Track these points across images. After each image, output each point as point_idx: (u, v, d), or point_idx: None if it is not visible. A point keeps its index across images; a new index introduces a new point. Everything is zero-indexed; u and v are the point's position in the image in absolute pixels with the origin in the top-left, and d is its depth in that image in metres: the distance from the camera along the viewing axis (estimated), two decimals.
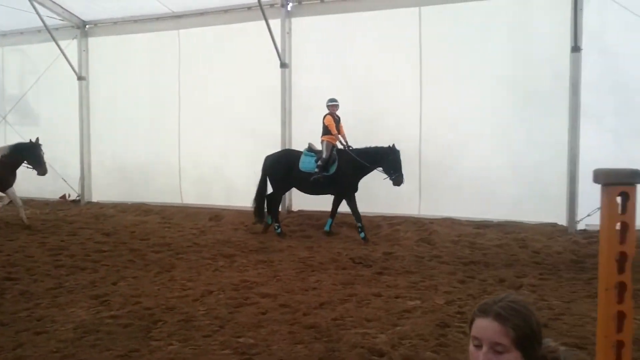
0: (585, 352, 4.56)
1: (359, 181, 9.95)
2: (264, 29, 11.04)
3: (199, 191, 12.94)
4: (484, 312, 1.67)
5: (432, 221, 10.20)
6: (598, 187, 1.15)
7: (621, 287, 1.05)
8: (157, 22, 13.20)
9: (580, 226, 9.47)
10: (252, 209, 10.39)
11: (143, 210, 12.82)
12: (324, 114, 10.08)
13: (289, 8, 11.78)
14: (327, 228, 10.15)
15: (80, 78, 14.04)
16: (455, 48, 10.45)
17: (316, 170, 9.80)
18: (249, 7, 11.88)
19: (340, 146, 10.07)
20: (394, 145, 9.61)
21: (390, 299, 6.31)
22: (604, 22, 9.51)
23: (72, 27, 13.96)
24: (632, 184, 1.05)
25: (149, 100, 13.38)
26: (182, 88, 13.03)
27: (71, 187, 14.30)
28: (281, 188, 10.50)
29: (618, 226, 1.05)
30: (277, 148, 11.67)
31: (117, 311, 5.79)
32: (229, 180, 12.54)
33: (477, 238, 9.43)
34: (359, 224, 9.73)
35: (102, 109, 14.07)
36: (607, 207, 1.05)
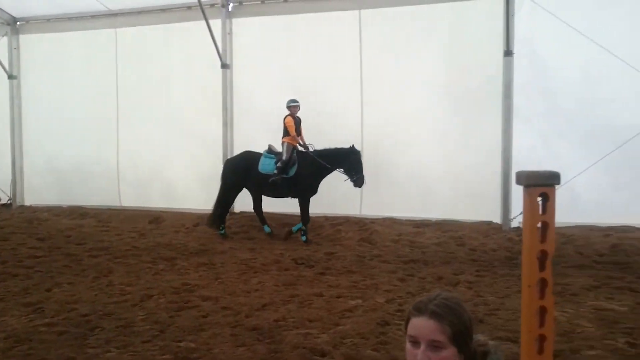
0: (518, 345, 4.73)
1: (319, 183, 9.88)
2: (204, 29, 10.90)
3: (138, 193, 12.63)
4: (419, 310, 1.69)
5: (373, 221, 10.35)
6: None
7: (542, 284, 1.11)
8: (93, 20, 12.80)
9: (514, 224, 9.81)
10: (211, 216, 10.20)
11: (79, 213, 12.41)
12: (285, 115, 9.94)
13: (229, 8, 11.68)
14: (303, 238, 9.78)
15: (10, 77, 13.45)
16: (394, 51, 10.64)
17: (275, 172, 9.66)
18: (189, 7, 11.70)
19: (300, 148, 9.97)
20: (353, 145, 9.59)
21: (332, 298, 6.37)
22: (534, 28, 9.89)
23: (2, 23, 13.36)
24: (551, 185, 1.11)
25: (85, 100, 12.95)
26: (120, 88, 12.68)
27: (1, 191, 13.69)
28: (236, 191, 10.28)
29: (539, 225, 1.11)
30: (218, 149, 11.59)
31: (52, 319, 5.60)
32: (169, 181, 12.32)
33: (416, 237, 9.63)
34: (304, 227, 9.74)
35: (35, 109, 13.52)
36: (528, 207, 1.10)
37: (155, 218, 11.60)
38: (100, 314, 5.74)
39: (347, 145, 9.64)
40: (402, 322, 1.81)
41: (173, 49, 12.14)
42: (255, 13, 11.60)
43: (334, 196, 10.36)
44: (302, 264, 8.18)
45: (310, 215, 9.93)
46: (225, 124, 11.69)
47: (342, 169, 9.68)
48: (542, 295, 1.11)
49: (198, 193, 11.87)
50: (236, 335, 5.16)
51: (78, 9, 12.67)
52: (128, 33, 12.54)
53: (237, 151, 11.68)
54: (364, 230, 10.03)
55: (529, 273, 1.11)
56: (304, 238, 9.68)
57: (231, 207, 11.56)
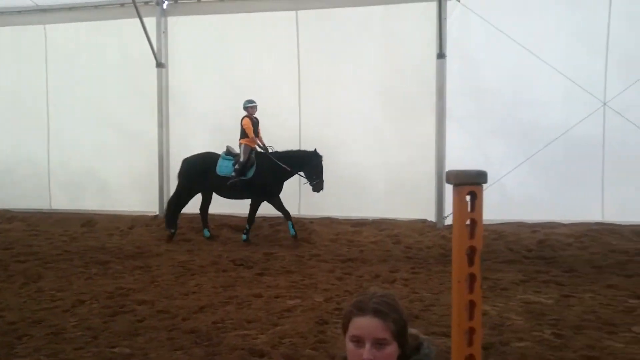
0: (451, 339, 4.88)
1: (280, 185, 9.73)
2: (139, 27, 10.65)
3: (70, 195, 12.20)
4: (362, 310, 1.69)
5: (312, 221, 10.41)
6: None
7: (471, 279, 1.16)
8: (21, 16, 12.27)
9: (448, 222, 10.10)
10: (165, 217, 9.98)
11: (6, 217, 11.86)
12: (242, 115, 9.77)
13: (164, 6, 11.47)
14: (244, 237, 9.77)
15: None
16: (331, 51, 10.75)
17: (233, 174, 9.48)
18: (122, 4, 11.44)
19: (259, 149, 9.81)
20: (316, 149, 9.49)
21: (271, 299, 6.36)
22: (466, 32, 10.24)
23: None
24: (479, 184, 1.16)
25: (13, 98, 12.40)
26: (50, 86, 12.23)
27: None
28: (193, 192, 10.03)
29: (468, 222, 1.16)
30: (154, 150, 11.37)
31: None
32: (103, 183, 11.96)
33: (354, 236, 9.76)
34: (247, 227, 9.69)
35: None
36: (457, 205, 1.15)
37: (88, 221, 11.24)
38: (29, 322, 5.51)
39: (277, 146, 9.65)
40: (341, 321, 1.81)
41: (107, 47, 11.80)
42: (191, 12, 11.45)
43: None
44: (241, 264, 8.13)
45: (245, 216, 9.87)
46: (160, 125, 11.47)
47: (302, 173, 9.58)
48: (471, 289, 1.16)
49: (133, 194, 11.60)
50: (173, 339, 5.07)
51: (4, 4, 12.13)
52: (58, 30, 12.09)
53: (173, 152, 11.52)
54: (303, 230, 10.07)
55: (459, 269, 1.15)
56: (244, 237, 9.61)
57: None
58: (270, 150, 9.74)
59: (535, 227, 9.74)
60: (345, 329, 1.75)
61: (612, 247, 8.72)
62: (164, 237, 9.98)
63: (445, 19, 10.02)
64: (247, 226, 9.72)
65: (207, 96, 11.15)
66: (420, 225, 10.15)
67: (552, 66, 9.63)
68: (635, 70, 9.55)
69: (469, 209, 1.15)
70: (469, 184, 1.15)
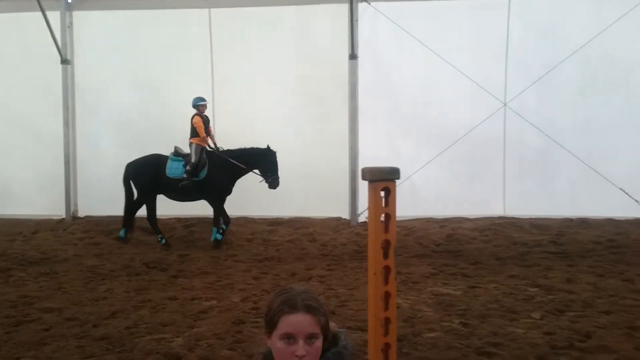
0: (367, 332, 5.03)
1: (233, 184, 9.45)
2: (42, 21, 10.10)
3: None
4: (293, 307, 1.69)
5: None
6: None
7: (386, 271, 1.22)
8: None
9: (362, 219, 10.34)
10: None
11: None
12: (192, 114, 9.40)
13: (69, 0, 10.94)
14: (213, 237, 9.35)
15: None
16: (245, 50, 10.70)
17: (184, 175, 9.08)
18: None
19: (210, 149, 9.48)
20: (268, 146, 9.28)
21: (187, 301, 6.27)
22: (377, 34, 10.52)
23: None
24: (392, 180, 1.22)
25: None
26: None
27: None
28: (149, 196, 9.45)
29: (382, 217, 1.22)
30: (59, 149, 10.82)
31: None
32: (3, 184, 11.21)
33: (270, 235, 9.77)
34: (215, 227, 9.32)
35: None
36: (372, 201, 1.21)
37: None
38: None
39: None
40: (259, 320, 1.81)
41: (7, 41, 11.10)
42: (98, 7, 11.02)
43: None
44: (154, 267, 7.94)
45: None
46: (66, 124, 10.94)
47: (257, 170, 9.37)
48: (386, 281, 1.22)
49: (37, 197, 11.00)
50: (83, 346, 4.88)
51: None
52: None
53: (80, 152, 11.06)
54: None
55: (374, 261, 1.21)
56: (219, 236, 9.26)
57: (73, 212, 10.91)
58: (221, 150, 9.47)
59: (443, 223, 10.17)
60: (272, 328, 1.73)
61: (513, 240, 9.26)
62: (73, 241, 9.53)
63: (356, 20, 10.24)
64: (214, 227, 9.34)
65: (117, 94, 10.78)
66: (335, 223, 10.32)
67: (457, 68, 10.09)
68: (531, 73, 10.20)
69: (383, 205, 1.21)
70: (383, 180, 1.21)
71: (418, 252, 8.68)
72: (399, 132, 10.56)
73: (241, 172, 9.39)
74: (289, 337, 1.67)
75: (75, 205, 11.09)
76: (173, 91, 10.70)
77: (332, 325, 1.87)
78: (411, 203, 10.29)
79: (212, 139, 9.62)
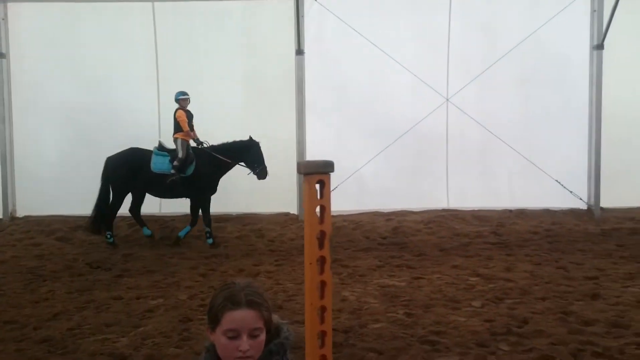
0: None
1: (219, 180, 9.27)
2: None
3: None
4: (236, 304, 1.71)
5: (173, 218, 10.18)
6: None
7: (322, 261, 1.27)
8: None
9: None
10: (89, 218, 8.97)
11: None
12: (175, 108, 9.18)
13: None
14: (181, 234, 9.20)
15: None
16: (191, 45, 10.58)
17: (172, 171, 8.79)
18: None
19: (193, 144, 9.24)
20: (251, 137, 9.15)
21: (132, 300, 6.18)
22: (324, 29, 10.58)
23: None
24: (327, 173, 1.27)
25: None
26: None
27: None
28: (124, 192, 9.15)
29: (318, 209, 1.27)
30: None
31: None
32: None
33: (217, 231, 9.69)
34: (208, 229, 9.11)
35: None
36: (307, 193, 1.25)
37: None
38: None
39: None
40: (207, 316, 1.82)
41: None
42: None
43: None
44: (98, 267, 7.77)
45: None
46: (2, 120, 10.54)
47: (243, 163, 9.22)
48: (322, 270, 1.27)
49: None
50: (23, 349, 4.75)
51: None
52: None
53: (18, 150, 10.71)
54: (164, 228, 9.85)
55: (310, 252, 1.26)
56: (210, 241, 9.07)
57: (11, 211, 10.54)
58: (205, 145, 9.27)
59: (389, 216, 10.35)
60: (215, 324, 1.75)
61: (456, 231, 9.53)
62: (11, 242, 9.21)
63: (302, 16, 10.27)
64: (207, 228, 9.14)
65: (57, 89, 10.45)
66: (283, 218, 10.35)
67: (400, 64, 10.29)
68: (472, 69, 10.49)
69: (318, 197, 1.26)
70: (318, 173, 1.26)
71: (365, 246, 8.82)
72: (346, 127, 10.68)
73: (227, 167, 9.28)
74: (233, 333, 1.70)
75: (14, 205, 10.70)
76: (117, 86, 10.47)
77: (275, 317, 1.92)
78: (358, 197, 10.45)
79: (195, 134, 9.37)
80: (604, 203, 10.63)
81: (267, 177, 9.15)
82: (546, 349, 4.50)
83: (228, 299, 1.73)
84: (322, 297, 1.26)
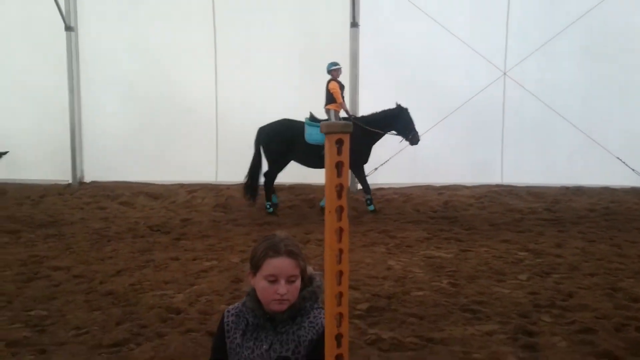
0: (359, 291, 5.30)
1: (371, 150, 9.44)
2: None
3: None
4: (277, 252, 1.98)
5: (229, 187, 10.55)
6: None
7: (340, 210, 1.42)
8: None
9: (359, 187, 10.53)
10: (243, 186, 9.32)
11: None
12: (327, 79, 9.37)
13: None
14: (371, 208, 9.31)
15: None
16: (248, 20, 10.80)
17: None
18: None
19: (343, 114, 9.44)
20: (398, 104, 9.26)
21: (188, 261, 6.54)
22: (379, 1, 10.56)
23: None
24: (345, 133, 1.42)
25: None
26: None
27: None
28: (281, 163, 9.38)
29: (338, 166, 1.42)
30: (65, 117, 11.04)
31: None
32: (11, 151, 11.47)
33: None
34: (368, 197, 9.33)
35: None
36: (328, 150, 1.41)
37: None
38: None
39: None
40: (250, 262, 2.05)
41: (11, 8, 11.24)
42: None
43: (189, 163, 10.38)
44: (158, 230, 8.21)
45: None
46: (71, 90, 11.14)
47: (394, 131, 9.31)
48: (339, 218, 1.43)
49: (44, 163, 11.27)
50: (90, 301, 5.16)
51: None
52: None
53: (85, 119, 11.28)
54: (220, 196, 10.21)
55: (330, 201, 1.42)
56: (371, 207, 9.24)
57: (80, 177, 11.15)
58: (354, 117, 9.33)
59: (441, 190, 10.37)
60: (257, 269, 2.00)
61: (509, 207, 9.47)
62: (79, 206, 9.80)
63: None
64: (367, 196, 9.35)
65: (121, 62, 10.96)
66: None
67: (457, 36, 10.17)
68: (532, 42, 10.25)
69: (337, 153, 1.41)
70: (337, 132, 1.41)
71: (414, 218, 8.90)
72: (399, 100, 10.67)
73: (377, 137, 9.32)
74: (273, 277, 1.94)
75: (82, 171, 11.37)
76: (176, 59, 10.84)
77: (309, 268, 2.12)
78: (411, 171, 10.50)
79: (346, 106, 9.45)
80: None
81: None
82: (589, 322, 4.52)
83: (269, 248, 1.99)
84: (339, 240, 1.43)
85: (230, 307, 2.21)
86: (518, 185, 10.45)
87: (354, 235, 7.75)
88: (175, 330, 4.45)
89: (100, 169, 11.02)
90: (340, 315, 1.49)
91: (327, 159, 1.41)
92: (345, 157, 1.42)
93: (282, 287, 1.95)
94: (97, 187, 10.78)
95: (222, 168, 10.93)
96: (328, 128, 1.42)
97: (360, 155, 9.22)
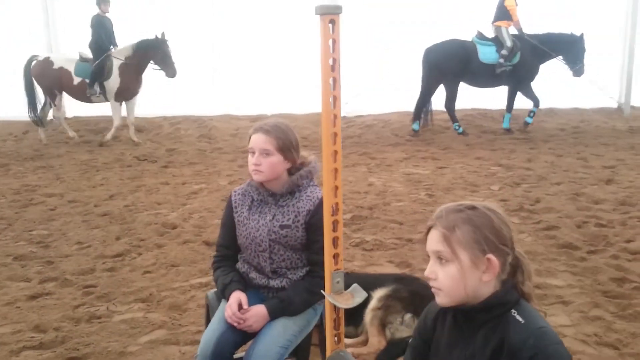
0: (343, 204, 5.63)
1: (539, 69, 9.23)
2: None
3: None
4: (256, 129, 2.31)
5: (212, 118, 10.69)
6: None
7: (333, 80, 1.69)
8: None
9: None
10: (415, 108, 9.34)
11: None
12: None
13: None
14: (506, 125, 9.49)
15: None
16: None
17: (500, 61, 8.83)
18: None
19: (513, 31, 9.13)
20: (573, 33, 8.99)
21: (178, 185, 6.81)
22: None
23: None
24: (336, 13, 1.66)
25: None
26: None
27: None
28: (456, 84, 9.24)
29: (331, 42, 1.66)
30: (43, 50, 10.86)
31: None
32: None
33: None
34: (534, 110, 9.38)
35: None
36: (323, 29, 1.65)
37: None
38: None
39: None
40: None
41: None
42: None
43: (172, 96, 10.39)
44: (145, 160, 8.41)
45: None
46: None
47: (561, 57, 9.14)
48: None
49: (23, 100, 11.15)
50: (88, 221, 5.44)
51: None
52: None
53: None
54: (203, 127, 10.37)
55: (325, 72, 1.68)
56: (529, 119, 9.44)
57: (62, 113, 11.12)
58: (526, 35, 9.13)
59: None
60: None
61: (483, 129, 9.84)
62: (64, 140, 9.84)
63: None
64: (508, 114, 9.45)
65: None
66: (317, 117, 10.71)
67: None
68: None
69: (330, 32, 1.65)
70: (329, 13, 1.65)
71: (393, 142, 9.22)
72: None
73: (545, 58, 9.15)
74: (252, 150, 2.29)
75: (63, 107, 11.25)
76: None
77: (306, 153, 2.41)
78: (389, 98, 10.66)
79: (519, 24, 9.18)
80: (636, 102, 10.69)
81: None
82: (553, 221, 4.95)
83: (254, 127, 2.34)
84: (334, 124, 1.70)
85: (237, 187, 2.50)
86: (493, 109, 10.73)
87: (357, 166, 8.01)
88: (173, 242, 4.78)
89: (81, 103, 10.96)
90: (336, 222, 1.81)
91: (322, 37, 1.65)
92: (337, 35, 1.67)
93: (255, 159, 2.26)
94: (79, 121, 10.80)
95: (204, 100, 10.91)
96: (321, 9, 1.65)
97: (528, 72, 9.13)
